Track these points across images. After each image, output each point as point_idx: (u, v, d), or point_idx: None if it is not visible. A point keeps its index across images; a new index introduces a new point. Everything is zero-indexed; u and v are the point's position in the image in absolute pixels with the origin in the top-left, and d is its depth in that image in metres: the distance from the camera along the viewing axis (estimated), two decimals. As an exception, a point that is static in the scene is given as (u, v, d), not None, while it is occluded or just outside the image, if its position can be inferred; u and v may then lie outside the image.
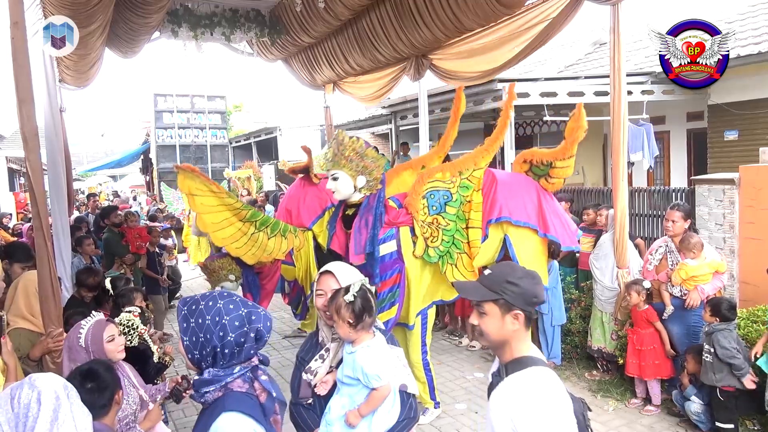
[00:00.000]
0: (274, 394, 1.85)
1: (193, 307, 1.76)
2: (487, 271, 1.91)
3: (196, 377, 1.77)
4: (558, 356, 5.56)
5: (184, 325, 1.76)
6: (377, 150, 4.43)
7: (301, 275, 5.76)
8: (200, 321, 1.73)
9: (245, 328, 1.75)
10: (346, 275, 2.46)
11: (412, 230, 4.42)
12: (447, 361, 5.94)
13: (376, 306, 2.33)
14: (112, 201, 16.43)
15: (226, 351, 1.73)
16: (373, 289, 2.37)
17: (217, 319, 1.73)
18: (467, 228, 4.52)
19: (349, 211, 4.41)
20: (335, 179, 4.28)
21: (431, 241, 4.42)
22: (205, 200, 4.53)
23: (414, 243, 4.42)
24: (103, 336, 2.83)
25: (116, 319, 3.34)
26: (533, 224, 4.50)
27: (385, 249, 4.36)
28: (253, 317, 1.78)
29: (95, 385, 2.35)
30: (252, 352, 1.80)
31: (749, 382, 3.93)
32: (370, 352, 2.28)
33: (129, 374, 3.04)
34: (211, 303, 1.76)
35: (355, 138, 4.36)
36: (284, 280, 5.77)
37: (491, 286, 1.83)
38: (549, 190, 4.77)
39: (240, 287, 5.31)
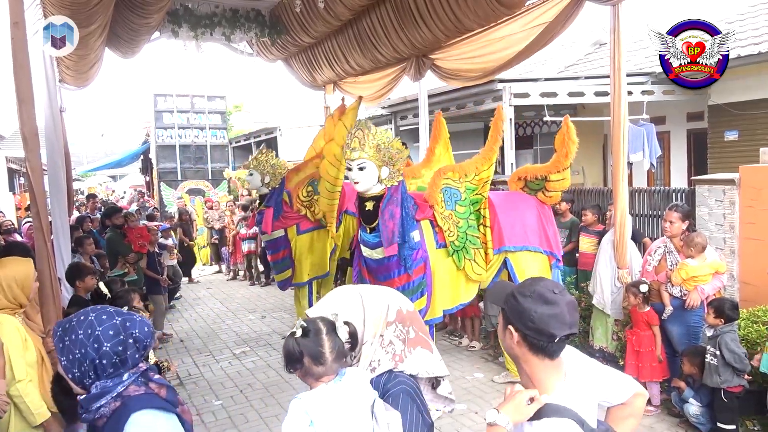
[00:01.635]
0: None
1: (67, 326, 1.71)
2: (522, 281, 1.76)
3: (82, 397, 1.70)
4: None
5: (60, 345, 1.69)
6: (404, 144, 4.42)
7: (295, 252, 6.31)
8: (73, 337, 1.67)
9: (121, 336, 1.69)
10: (317, 309, 2.05)
11: (431, 223, 4.59)
12: (447, 362, 5.87)
13: (326, 353, 1.82)
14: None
15: (105, 362, 1.67)
16: (343, 330, 1.88)
17: (90, 331, 1.67)
18: (484, 226, 4.79)
19: (368, 205, 4.29)
20: (362, 169, 4.12)
21: (448, 235, 4.62)
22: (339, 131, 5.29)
23: (435, 234, 4.59)
24: None
25: None
26: (533, 246, 4.93)
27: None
28: (128, 323, 1.72)
29: (64, 387, 2.26)
30: (137, 357, 1.74)
31: (744, 379, 3.99)
32: (290, 409, 1.81)
33: None
34: (83, 317, 1.71)
35: (383, 129, 4.37)
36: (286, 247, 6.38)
37: (506, 294, 1.71)
38: (548, 203, 5.17)
39: (259, 199, 6.54)
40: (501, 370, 5.60)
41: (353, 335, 1.91)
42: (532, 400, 1.59)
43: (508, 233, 4.82)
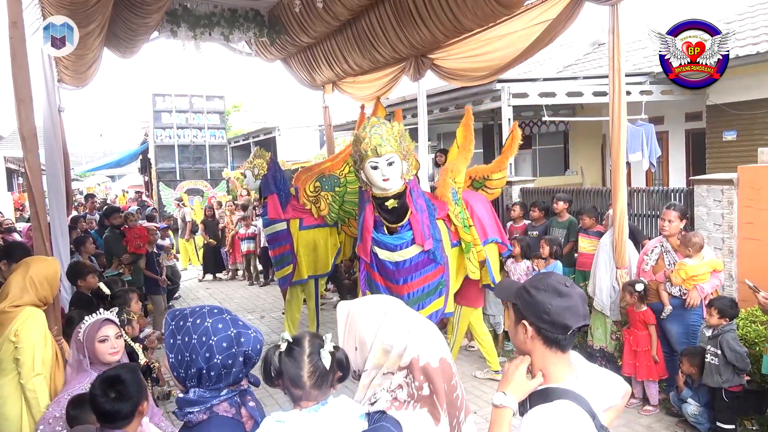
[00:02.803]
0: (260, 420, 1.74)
1: (181, 323, 1.67)
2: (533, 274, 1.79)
3: (181, 395, 1.68)
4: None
5: (170, 341, 1.66)
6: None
7: (297, 248, 6.31)
8: (186, 339, 1.64)
9: (233, 350, 1.65)
10: (364, 304, 1.86)
11: (444, 222, 4.60)
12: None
13: (304, 377, 1.63)
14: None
15: (212, 373, 1.64)
16: (327, 356, 1.65)
17: (204, 339, 1.63)
18: (468, 226, 4.83)
19: (391, 203, 4.07)
20: (391, 164, 3.91)
21: (462, 234, 4.68)
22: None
23: (450, 234, 4.61)
24: (96, 335, 2.74)
25: None
26: (494, 237, 5.10)
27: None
28: (243, 339, 1.68)
29: (118, 394, 2.16)
30: (241, 376, 1.70)
31: (743, 378, 4.01)
32: (260, 426, 1.66)
33: None
34: (198, 321, 1.66)
35: (394, 122, 4.23)
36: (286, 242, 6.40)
37: (517, 289, 1.71)
38: (489, 199, 5.47)
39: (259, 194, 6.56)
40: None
41: (340, 363, 1.68)
42: (529, 371, 1.64)
43: (486, 225, 4.97)
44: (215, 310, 1.72)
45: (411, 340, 1.69)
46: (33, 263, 3.26)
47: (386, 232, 4.20)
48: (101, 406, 2.13)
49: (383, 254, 4.23)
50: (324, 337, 1.70)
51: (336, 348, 1.68)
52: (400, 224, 4.13)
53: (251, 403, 1.73)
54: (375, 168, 3.95)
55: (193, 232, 12.68)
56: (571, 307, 1.61)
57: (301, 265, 6.36)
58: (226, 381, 1.68)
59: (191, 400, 1.65)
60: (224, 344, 1.65)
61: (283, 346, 1.67)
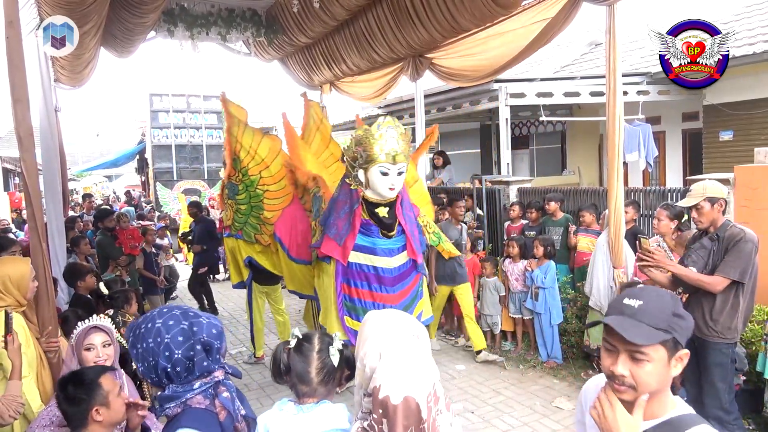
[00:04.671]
0: (243, 412, 1.81)
1: (137, 332, 1.72)
2: (634, 303, 1.37)
3: (159, 393, 1.75)
4: (559, 356, 5.57)
5: (134, 351, 1.71)
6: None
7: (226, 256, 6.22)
8: (145, 345, 1.69)
9: (191, 341, 1.70)
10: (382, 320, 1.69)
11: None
12: (443, 361, 5.93)
13: (312, 373, 1.72)
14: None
15: (178, 369, 1.69)
16: (336, 354, 1.72)
17: (159, 339, 1.68)
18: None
19: (382, 212, 3.85)
20: (401, 174, 3.72)
21: (428, 228, 4.68)
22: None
23: (422, 237, 4.53)
24: (83, 343, 2.68)
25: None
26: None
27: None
28: (196, 328, 1.71)
29: (66, 395, 2.09)
30: (206, 364, 1.73)
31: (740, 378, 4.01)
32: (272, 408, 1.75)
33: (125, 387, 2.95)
34: (150, 324, 1.71)
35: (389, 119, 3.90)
36: None
37: (655, 322, 1.33)
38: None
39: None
40: (498, 371, 5.62)
41: (348, 361, 1.72)
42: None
43: None
44: (164, 310, 1.76)
45: (379, 366, 1.50)
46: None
47: (381, 235, 3.95)
48: (58, 404, 2.14)
49: (381, 261, 3.97)
50: (334, 335, 1.77)
51: (345, 346, 1.75)
52: (391, 233, 3.93)
53: (225, 394, 1.76)
54: (385, 174, 3.70)
55: None
56: None
57: (230, 270, 6.27)
58: (194, 373, 1.72)
59: (167, 396, 1.71)
60: (180, 338, 1.69)
61: (293, 343, 1.75)
